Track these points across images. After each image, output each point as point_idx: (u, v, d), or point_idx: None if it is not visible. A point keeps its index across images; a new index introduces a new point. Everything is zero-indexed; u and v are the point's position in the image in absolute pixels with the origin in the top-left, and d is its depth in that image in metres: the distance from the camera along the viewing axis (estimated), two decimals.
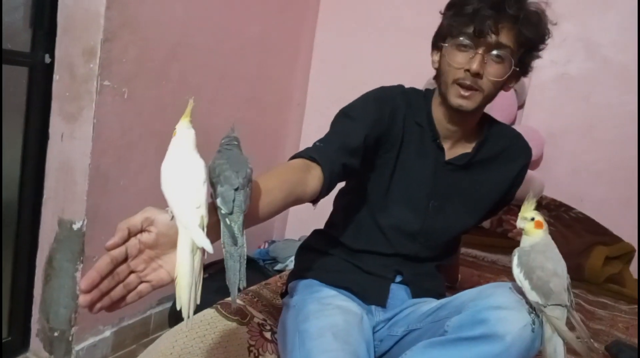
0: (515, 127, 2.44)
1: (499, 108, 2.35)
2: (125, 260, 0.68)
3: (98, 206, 1.69)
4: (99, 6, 1.56)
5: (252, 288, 1.42)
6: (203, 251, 0.68)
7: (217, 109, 2.14)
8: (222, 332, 1.18)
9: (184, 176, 0.69)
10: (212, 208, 0.74)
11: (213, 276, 1.93)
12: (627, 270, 2.16)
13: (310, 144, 1.06)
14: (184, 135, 0.72)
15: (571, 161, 2.38)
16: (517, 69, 1.12)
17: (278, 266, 2.60)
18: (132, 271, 0.69)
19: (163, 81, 1.86)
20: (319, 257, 1.26)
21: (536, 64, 2.47)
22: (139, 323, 2.00)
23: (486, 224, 2.25)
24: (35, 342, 1.79)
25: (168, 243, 0.69)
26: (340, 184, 1.29)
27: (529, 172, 2.28)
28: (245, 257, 0.72)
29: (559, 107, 2.38)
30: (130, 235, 0.68)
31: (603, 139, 2.31)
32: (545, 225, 0.93)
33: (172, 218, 0.68)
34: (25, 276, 1.76)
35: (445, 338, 0.91)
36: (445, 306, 1.02)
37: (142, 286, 0.70)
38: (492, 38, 1.04)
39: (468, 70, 1.06)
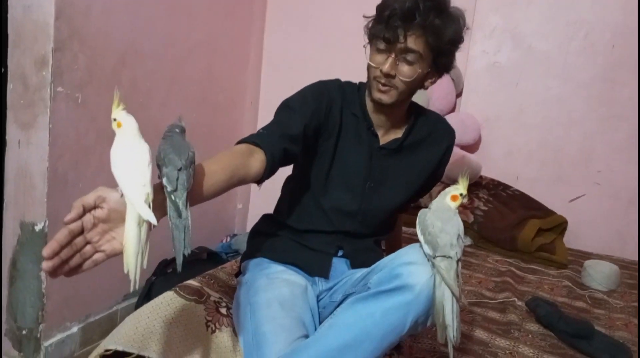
0: (454, 114, 2.63)
1: (439, 96, 2.52)
2: (81, 232, 0.79)
3: (58, 208, 1.76)
4: (47, 17, 1.63)
5: (209, 271, 1.53)
6: (149, 224, 0.79)
7: (169, 112, 2.23)
8: (181, 311, 1.28)
9: (130, 159, 0.80)
10: (160, 188, 0.84)
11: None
12: (560, 240, 2.36)
13: None
14: (127, 122, 0.82)
15: (505, 143, 2.58)
16: (431, 69, 1.25)
17: None
18: (88, 243, 0.80)
19: (115, 87, 1.93)
20: (268, 239, 1.38)
21: (469, 54, 2.64)
22: (105, 319, 2.07)
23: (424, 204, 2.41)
24: (4, 342, 1.84)
25: (119, 217, 0.80)
26: (287, 172, 1.41)
27: (467, 155, 2.47)
28: (190, 228, 0.83)
29: (492, 95, 2.57)
30: (85, 211, 0.78)
31: (531, 123, 2.52)
32: (458, 199, 1.07)
33: (122, 195, 0.79)
34: None
35: (367, 293, 1.05)
36: (373, 270, 1.15)
37: (97, 255, 0.81)
38: (402, 44, 1.19)
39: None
